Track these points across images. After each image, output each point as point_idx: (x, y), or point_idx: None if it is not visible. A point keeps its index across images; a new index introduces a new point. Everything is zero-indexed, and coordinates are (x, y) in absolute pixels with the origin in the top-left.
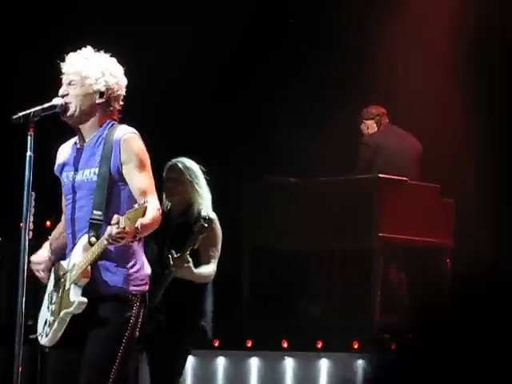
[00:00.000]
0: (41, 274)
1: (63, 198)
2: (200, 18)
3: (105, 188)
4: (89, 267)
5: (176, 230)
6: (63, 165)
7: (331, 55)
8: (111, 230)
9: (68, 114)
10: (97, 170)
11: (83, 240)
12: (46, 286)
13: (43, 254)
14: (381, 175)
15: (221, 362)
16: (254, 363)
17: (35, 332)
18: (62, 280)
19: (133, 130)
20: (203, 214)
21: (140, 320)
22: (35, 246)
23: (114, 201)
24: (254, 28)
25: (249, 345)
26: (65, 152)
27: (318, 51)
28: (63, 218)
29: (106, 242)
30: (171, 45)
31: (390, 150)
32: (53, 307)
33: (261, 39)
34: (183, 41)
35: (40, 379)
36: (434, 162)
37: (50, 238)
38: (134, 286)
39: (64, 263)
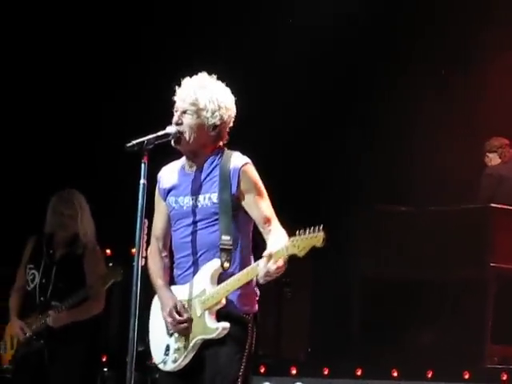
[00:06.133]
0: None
1: (162, 222)
2: (304, 41)
3: (229, 213)
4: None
5: (61, 260)
6: (170, 189)
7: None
8: (270, 267)
9: (181, 143)
10: (213, 195)
11: (212, 265)
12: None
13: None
14: (493, 205)
15: None
16: None
17: (146, 358)
18: (187, 305)
19: (247, 159)
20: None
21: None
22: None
23: (238, 226)
24: (361, 53)
25: (358, 373)
26: (169, 175)
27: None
28: (156, 245)
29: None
30: (276, 72)
31: None
32: (176, 333)
33: (369, 65)
34: (289, 68)
35: None
36: None
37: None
38: (247, 305)
39: (183, 288)
